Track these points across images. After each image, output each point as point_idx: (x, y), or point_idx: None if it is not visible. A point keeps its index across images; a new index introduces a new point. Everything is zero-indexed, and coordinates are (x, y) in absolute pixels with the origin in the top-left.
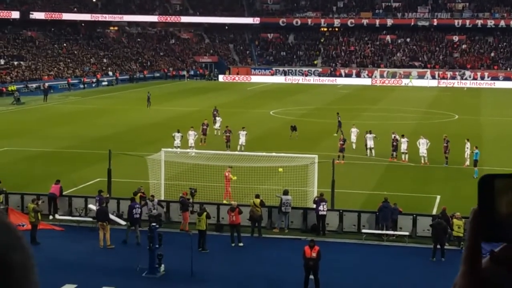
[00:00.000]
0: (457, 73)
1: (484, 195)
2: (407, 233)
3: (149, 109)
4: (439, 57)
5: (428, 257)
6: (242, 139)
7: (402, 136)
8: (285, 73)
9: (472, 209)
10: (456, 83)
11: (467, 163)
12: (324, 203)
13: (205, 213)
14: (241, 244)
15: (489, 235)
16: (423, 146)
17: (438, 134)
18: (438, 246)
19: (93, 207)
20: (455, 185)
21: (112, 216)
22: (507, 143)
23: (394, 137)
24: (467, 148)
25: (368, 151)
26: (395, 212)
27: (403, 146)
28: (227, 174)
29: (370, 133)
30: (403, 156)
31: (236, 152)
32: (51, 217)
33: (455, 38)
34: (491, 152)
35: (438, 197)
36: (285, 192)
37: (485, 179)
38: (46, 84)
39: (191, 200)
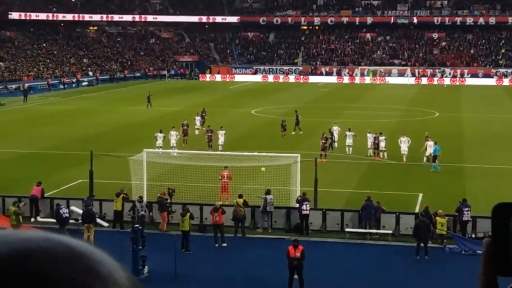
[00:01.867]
0: (437, 70)
1: (499, 225)
2: (390, 232)
3: (149, 109)
4: (419, 54)
5: (411, 255)
6: (221, 139)
7: (380, 134)
8: (266, 72)
9: (485, 240)
10: (436, 81)
11: (425, 160)
12: (307, 203)
13: (188, 214)
14: (224, 245)
15: (505, 269)
16: (404, 144)
17: (419, 132)
18: (422, 244)
19: (76, 209)
20: (437, 182)
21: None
22: (487, 140)
23: (374, 135)
24: (430, 146)
25: (347, 148)
26: (378, 211)
27: (382, 144)
28: (226, 174)
29: (350, 131)
30: (381, 154)
31: (218, 152)
32: (33, 219)
33: (435, 36)
34: (472, 149)
35: (421, 195)
36: (268, 192)
37: (500, 208)
38: (26, 85)
39: (169, 200)
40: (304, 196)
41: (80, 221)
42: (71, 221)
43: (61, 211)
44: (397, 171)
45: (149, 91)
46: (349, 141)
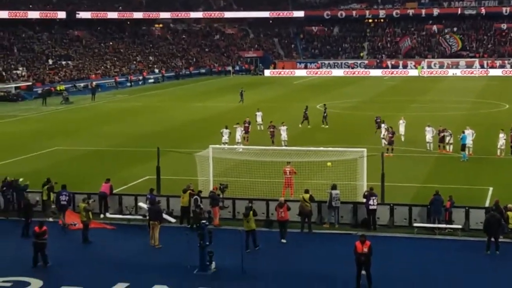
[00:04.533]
0: (506, 61)
1: None
2: (460, 226)
3: (241, 104)
4: (488, 46)
5: (481, 250)
6: (284, 134)
7: (445, 129)
8: (330, 66)
9: None
10: (506, 72)
11: (498, 153)
12: (374, 197)
13: (251, 212)
14: (284, 241)
15: None
16: (468, 137)
17: (489, 124)
18: (492, 239)
19: (143, 205)
20: (508, 176)
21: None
22: None
23: (439, 129)
24: (504, 139)
25: (402, 137)
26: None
27: (447, 139)
28: (288, 169)
29: (402, 119)
30: (447, 147)
31: (283, 147)
32: (102, 215)
33: (504, 26)
34: None
35: (491, 188)
36: (334, 187)
37: None
38: (94, 83)
39: (221, 196)
40: (371, 191)
41: (147, 217)
42: (139, 217)
43: (61, 197)
44: (465, 165)
45: (242, 88)
46: (401, 129)
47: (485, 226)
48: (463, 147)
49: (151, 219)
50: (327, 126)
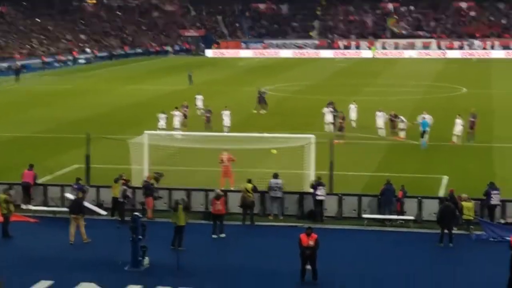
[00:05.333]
0: (465, 42)
1: None
2: (412, 218)
3: (191, 87)
4: (446, 25)
5: (434, 242)
6: (226, 120)
7: (396, 115)
8: (278, 47)
9: None
10: (464, 54)
11: (455, 139)
12: (322, 187)
13: (180, 206)
14: (223, 235)
15: None
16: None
17: (445, 109)
18: (446, 231)
19: (70, 196)
20: (463, 164)
21: (91, 206)
22: None
23: (390, 114)
24: (461, 125)
25: (353, 123)
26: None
27: (401, 125)
28: (225, 157)
29: (353, 104)
30: (400, 133)
31: (225, 134)
32: (24, 207)
33: (463, 5)
34: (502, 128)
35: (445, 177)
36: (275, 176)
37: None
38: (18, 63)
39: (155, 185)
40: (319, 181)
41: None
42: (65, 209)
43: None
44: (419, 152)
45: (190, 70)
46: (353, 115)
47: (438, 217)
48: (423, 134)
49: (72, 213)
50: (262, 112)
